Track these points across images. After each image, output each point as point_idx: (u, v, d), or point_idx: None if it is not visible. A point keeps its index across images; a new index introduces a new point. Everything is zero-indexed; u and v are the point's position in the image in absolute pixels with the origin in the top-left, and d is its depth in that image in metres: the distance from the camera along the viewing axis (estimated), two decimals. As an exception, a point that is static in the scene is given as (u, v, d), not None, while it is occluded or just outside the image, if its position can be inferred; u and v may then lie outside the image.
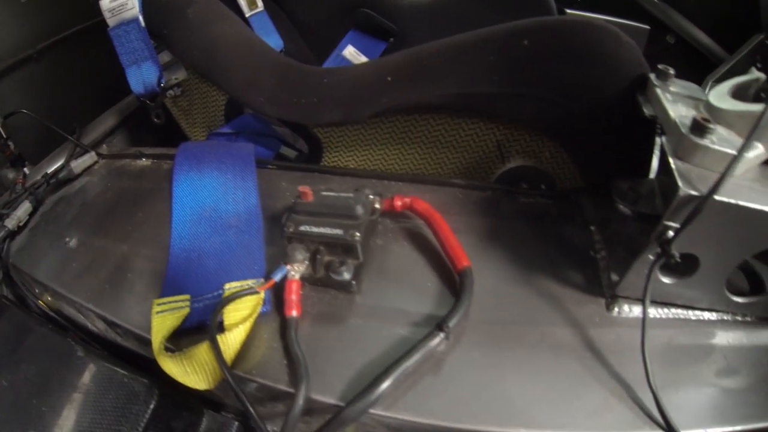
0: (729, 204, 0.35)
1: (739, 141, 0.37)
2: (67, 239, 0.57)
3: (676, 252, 0.37)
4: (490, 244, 0.48)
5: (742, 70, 1.62)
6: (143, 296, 0.47)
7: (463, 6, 1.05)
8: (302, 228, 0.42)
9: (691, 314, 0.44)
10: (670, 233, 0.37)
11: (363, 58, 1.01)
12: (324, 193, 0.44)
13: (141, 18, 0.63)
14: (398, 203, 0.47)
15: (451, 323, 0.37)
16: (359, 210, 0.41)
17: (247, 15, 0.99)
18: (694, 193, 0.35)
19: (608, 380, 0.38)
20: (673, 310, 0.43)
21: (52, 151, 0.75)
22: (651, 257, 0.39)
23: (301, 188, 0.43)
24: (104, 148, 0.82)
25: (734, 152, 0.35)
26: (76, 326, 0.55)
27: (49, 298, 0.56)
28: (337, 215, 0.42)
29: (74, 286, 0.51)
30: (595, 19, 0.50)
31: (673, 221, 0.37)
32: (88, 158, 0.69)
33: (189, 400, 0.49)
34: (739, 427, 0.37)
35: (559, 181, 0.62)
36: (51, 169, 0.69)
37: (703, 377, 0.39)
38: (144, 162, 0.68)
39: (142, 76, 0.66)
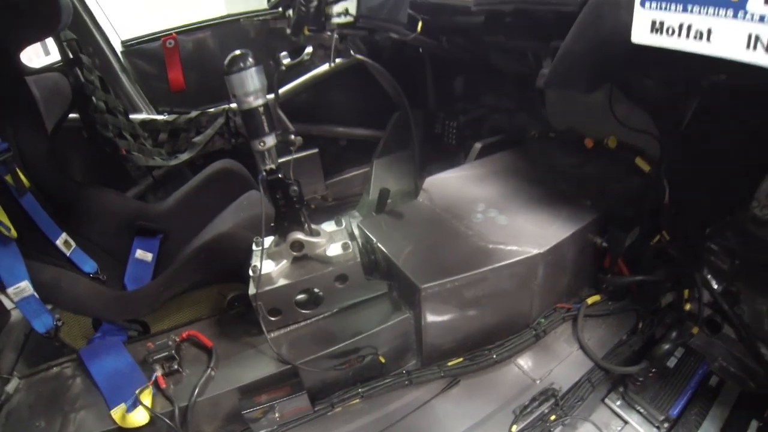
0: (268, 290, 1.27)
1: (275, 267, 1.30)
2: (38, 424, 1.21)
3: (265, 309, 1.30)
4: (222, 337, 1.37)
5: (394, 143, 2.68)
6: (101, 418, 1.19)
7: (194, 199, 1.86)
8: (155, 357, 1.24)
9: (311, 320, 1.37)
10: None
11: (149, 254, 1.74)
12: (157, 342, 1.27)
13: (35, 293, 1.27)
14: (184, 335, 1.33)
15: (211, 363, 1.24)
16: (170, 343, 1.26)
17: (67, 254, 1.60)
18: (251, 292, 1.25)
19: (257, 349, 1.30)
20: (302, 323, 1.36)
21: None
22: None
23: (148, 344, 1.25)
24: (19, 370, 1.43)
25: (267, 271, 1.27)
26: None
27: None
28: (163, 349, 1.25)
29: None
30: (226, 230, 1.44)
31: (238, 302, 1.30)
32: (14, 383, 1.31)
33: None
34: (328, 350, 1.28)
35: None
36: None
37: (306, 341, 1.31)
38: (55, 369, 1.35)
39: (42, 323, 1.32)
